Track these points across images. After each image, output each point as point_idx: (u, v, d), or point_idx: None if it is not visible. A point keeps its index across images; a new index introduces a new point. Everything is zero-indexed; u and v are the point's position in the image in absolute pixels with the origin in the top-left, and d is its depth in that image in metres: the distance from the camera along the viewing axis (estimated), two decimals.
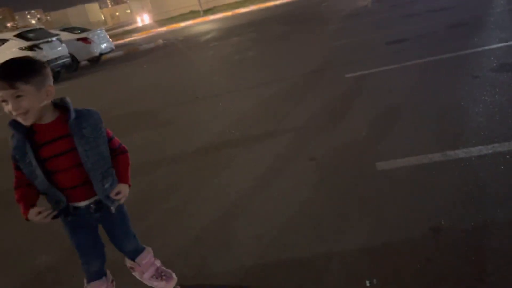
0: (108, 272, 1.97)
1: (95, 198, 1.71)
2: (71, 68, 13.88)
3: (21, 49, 11.56)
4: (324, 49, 7.75)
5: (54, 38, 12.69)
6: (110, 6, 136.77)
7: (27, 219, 1.63)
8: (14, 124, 1.57)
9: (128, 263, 2.00)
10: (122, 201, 1.76)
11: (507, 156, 2.62)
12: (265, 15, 18.29)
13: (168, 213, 2.97)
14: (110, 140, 1.74)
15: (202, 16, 26.63)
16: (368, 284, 1.88)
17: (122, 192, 1.73)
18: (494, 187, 2.35)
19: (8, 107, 1.50)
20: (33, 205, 1.64)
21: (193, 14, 29.45)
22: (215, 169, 3.54)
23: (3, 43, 11.69)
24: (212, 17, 25.68)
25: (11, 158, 1.63)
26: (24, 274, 2.68)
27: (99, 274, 1.90)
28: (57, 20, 65.50)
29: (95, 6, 78.01)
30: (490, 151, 2.73)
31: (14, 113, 1.51)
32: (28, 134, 1.58)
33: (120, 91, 8.79)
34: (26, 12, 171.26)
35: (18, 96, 1.48)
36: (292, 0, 23.68)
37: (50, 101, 1.59)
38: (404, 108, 3.89)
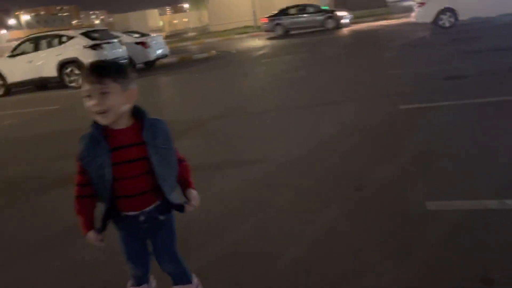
0: (151, 279, 1.97)
1: (147, 209, 1.71)
2: None
3: (85, 47, 12.18)
4: (378, 76, 7.64)
5: (115, 40, 13.31)
6: (168, 13, 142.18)
7: (85, 235, 1.69)
8: (95, 124, 1.60)
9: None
10: (196, 204, 1.77)
11: None
12: (319, 36, 18.32)
13: (209, 226, 2.99)
14: (174, 150, 1.77)
15: (256, 31, 27.02)
16: None
17: (194, 198, 1.77)
18: None
19: (90, 103, 1.54)
20: (92, 226, 1.70)
21: (247, 28, 29.99)
22: (256, 186, 3.54)
23: (70, 39, 12.38)
24: (265, 33, 26.00)
25: (78, 160, 1.64)
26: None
27: (141, 281, 1.92)
28: (118, 22, 68.62)
29: (154, 12, 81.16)
30: None
31: (95, 109, 1.54)
32: (104, 136, 1.60)
33: (171, 97, 9.06)
34: (91, 12, 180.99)
35: (104, 93, 1.52)
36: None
37: (130, 106, 1.63)
38: (459, 148, 3.75)
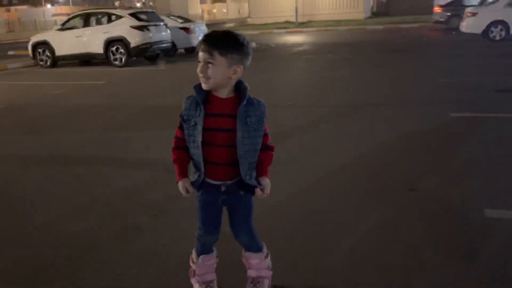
0: (215, 249, 2.06)
1: (228, 182, 1.81)
2: (169, 53, 14.70)
3: (132, 27, 12.45)
4: (426, 83, 7.54)
5: (161, 23, 13.54)
6: (208, 2, 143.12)
7: (177, 182, 1.80)
8: (198, 87, 1.72)
9: (243, 253, 2.06)
10: (267, 193, 1.82)
11: None
12: (362, 38, 18.11)
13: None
14: (265, 135, 1.81)
15: (296, 27, 26.93)
16: None
17: (266, 187, 1.81)
18: None
19: (198, 68, 1.66)
20: (185, 174, 1.81)
21: (287, 24, 29.89)
22: (307, 181, 3.59)
23: (119, 19, 12.68)
24: (306, 29, 25.91)
25: (179, 117, 1.78)
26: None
27: (210, 249, 2.03)
28: (159, 6, 69.40)
29: (196, 0, 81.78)
30: None
31: (200, 74, 1.67)
32: (203, 101, 1.71)
33: None
34: None
35: (209, 63, 1.63)
36: (390, 28, 23.29)
37: (234, 81, 1.72)
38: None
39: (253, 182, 1.80)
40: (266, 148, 1.83)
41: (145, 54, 13.06)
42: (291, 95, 7.24)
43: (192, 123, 1.72)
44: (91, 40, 12.78)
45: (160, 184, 3.56)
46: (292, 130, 5.08)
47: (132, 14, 12.94)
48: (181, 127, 1.79)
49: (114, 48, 12.59)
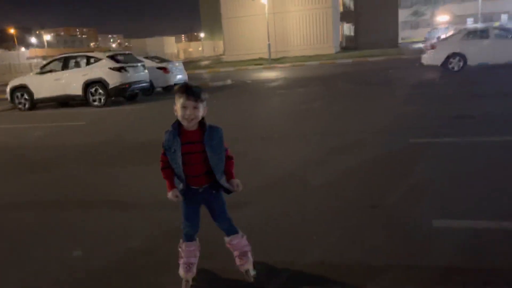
0: (197, 239, 2.70)
1: (205, 185, 2.50)
2: (147, 92, 15.13)
3: (110, 68, 12.89)
4: (389, 112, 8.15)
5: (139, 64, 14.04)
6: (183, 41, 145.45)
7: (168, 192, 2.46)
8: (176, 125, 2.41)
9: (226, 239, 2.69)
10: (240, 189, 2.52)
11: None
12: (332, 72, 19.02)
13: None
14: (225, 149, 2.51)
15: (270, 64, 27.93)
16: None
17: (238, 183, 2.53)
18: None
19: (185, 112, 2.33)
20: (174, 186, 2.48)
21: (261, 60, 30.96)
22: (281, 197, 3.96)
23: (97, 61, 13.12)
24: (279, 66, 26.91)
25: (162, 146, 2.45)
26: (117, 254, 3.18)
27: (192, 238, 2.67)
28: (135, 47, 70.37)
29: (171, 39, 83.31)
30: None
31: (188, 116, 2.33)
32: (179, 134, 2.40)
33: None
34: (109, 36, 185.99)
35: (196, 108, 2.34)
36: (358, 61, 24.48)
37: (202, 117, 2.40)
38: (465, 178, 4.17)
39: (226, 184, 2.51)
40: (228, 159, 2.54)
41: (124, 94, 13.43)
42: (268, 128, 7.69)
43: (172, 150, 2.40)
44: (70, 82, 13.13)
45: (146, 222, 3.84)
46: (272, 158, 5.48)
47: (110, 56, 13.40)
48: (165, 154, 2.47)
49: (93, 89, 12.95)
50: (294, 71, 21.67)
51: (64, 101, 13.75)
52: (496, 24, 26.74)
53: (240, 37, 36.32)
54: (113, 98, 13.18)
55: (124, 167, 5.75)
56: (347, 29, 43.76)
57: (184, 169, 2.40)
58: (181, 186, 2.47)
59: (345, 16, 41.59)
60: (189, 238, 2.65)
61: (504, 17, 54.80)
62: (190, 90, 2.34)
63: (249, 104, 11.30)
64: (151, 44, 74.67)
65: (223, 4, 37.44)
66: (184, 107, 2.33)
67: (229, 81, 19.09)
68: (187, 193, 2.50)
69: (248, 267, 2.66)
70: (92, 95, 12.97)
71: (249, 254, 2.68)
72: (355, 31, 40.87)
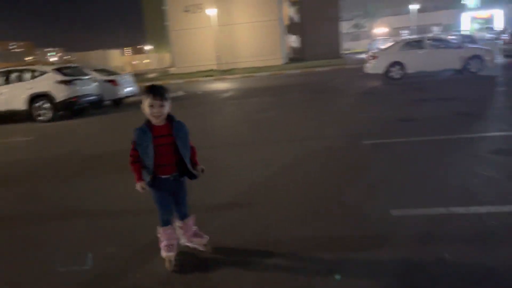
0: (173, 222, 3.04)
1: (173, 174, 2.84)
2: (96, 105, 14.75)
3: (57, 82, 12.47)
4: (340, 118, 8.59)
5: (87, 77, 13.69)
6: (128, 54, 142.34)
7: (136, 183, 2.80)
8: (146, 123, 2.75)
9: (178, 223, 3.05)
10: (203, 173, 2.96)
11: (499, 216, 3.24)
12: (282, 82, 19.53)
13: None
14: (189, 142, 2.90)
15: (220, 75, 28.14)
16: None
17: (204, 169, 2.96)
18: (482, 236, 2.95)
19: (152, 111, 2.68)
20: (141, 178, 2.81)
21: (211, 72, 31.09)
22: (254, 195, 4.12)
23: (43, 74, 12.64)
24: (229, 77, 27.18)
25: (132, 143, 2.77)
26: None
27: (168, 222, 2.99)
28: (77, 61, 68.02)
29: (116, 52, 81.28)
30: (485, 211, 3.36)
31: (155, 114, 2.68)
32: (149, 129, 2.73)
33: None
34: (47, 49, 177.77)
35: (162, 106, 2.69)
36: (306, 71, 25.31)
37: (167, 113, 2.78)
38: (415, 172, 4.56)
39: (193, 170, 2.89)
40: (192, 149, 2.93)
41: (72, 108, 13.01)
42: (224, 136, 7.84)
43: (145, 145, 2.72)
44: (13, 96, 12.53)
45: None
46: (236, 164, 5.63)
47: (57, 69, 12.98)
48: (134, 149, 2.78)
49: (38, 104, 12.44)
50: (244, 82, 22.01)
51: (7, 116, 13.06)
52: (431, 35, 28.78)
53: (188, 49, 36.27)
54: (60, 112, 12.74)
55: (86, 178, 5.64)
56: (294, 41, 45.06)
57: (155, 160, 2.72)
58: (148, 178, 2.77)
59: (291, 28, 42.84)
60: (166, 223, 2.96)
61: (436, 29, 58.99)
62: (156, 90, 2.67)
63: (205, 115, 11.37)
64: (95, 57, 72.52)
65: (170, 16, 37.31)
66: (151, 105, 2.66)
67: (180, 93, 19.03)
68: (157, 184, 2.81)
69: (205, 241, 3.10)
70: (38, 109, 12.47)
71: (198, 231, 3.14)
72: (301, 42, 42.18)
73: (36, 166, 6.71)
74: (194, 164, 2.92)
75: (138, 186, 2.79)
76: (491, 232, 3.03)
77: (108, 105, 16.02)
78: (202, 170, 2.93)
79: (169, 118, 2.78)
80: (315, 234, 3.27)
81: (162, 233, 2.98)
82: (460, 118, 7.28)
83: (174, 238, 3.00)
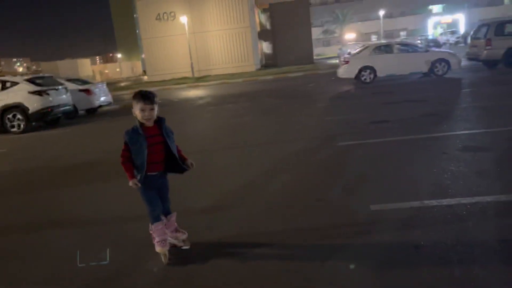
0: (163, 218, 3.24)
1: (160, 171, 3.11)
2: (70, 115, 14.57)
3: (30, 92, 12.27)
4: (316, 122, 8.87)
5: (60, 87, 13.51)
6: (98, 63, 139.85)
7: (130, 181, 2.96)
8: (138, 124, 2.97)
9: (165, 220, 3.24)
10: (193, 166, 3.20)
11: (468, 206, 3.52)
12: (256, 88, 19.78)
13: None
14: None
15: (194, 82, 28.17)
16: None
17: (193, 163, 3.21)
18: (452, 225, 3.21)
19: (144, 114, 2.93)
20: (134, 176, 2.99)
21: (185, 79, 31.08)
22: (236, 193, 4.28)
23: (14, 85, 12.41)
24: (203, 84, 27.25)
25: (125, 144, 2.98)
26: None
27: (159, 218, 3.19)
28: (46, 70, 66.42)
29: (86, 61, 79.83)
30: (455, 203, 3.63)
31: (146, 117, 2.93)
32: (142, 130, 2.97)
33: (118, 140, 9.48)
34: (15, 59, 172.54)
35: (152, 109, 2.95)
36: (279, 77, 25.69)
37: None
38: (390, 170, 4.83)
39: (183, 165, 3.15)
40: (177, 146, 3.20)
41: (45, 119, 12.83)
42: (203, 141, 7.96)
43: (138, 145, 2.95)
44: None
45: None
46: (220, 167, 5.77)
47: (29, 80, 12.76)
48: (127, 149, 2.99)
49: (10, 115, 12.21)
50: (219, 89, 22.15)
51: None
52: (399, 40, 29.70)
53: (161, 56, 36.12)
54: (34, 123, 12.54)
55: (69, 187, 5.66)
56: (266, 47, 45.56)
57: (148, 158, 2.95)
58: (139, 177, 2.98)
59: (263, 35, 43.33)
60: (157, 218, 3.16)
61: (403, 34, 60.90)
62: (146, 96, 2.92)
63: (183, 122, 11.43)
64: (64, 66, 70.99)
65: (141, 25, 37.07)
66: (142, 110, 2.91)
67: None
68: (146, 181, 3.01)
69: (185, 236, 3.33)
70: (10, 121, 12.23)
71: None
72: (273, 49, 42.68)
73: (13, 178, 6.64)
74: (183, 159, 3.17)
75: (131, 183, 2.97)
76: (461, 221, 3.30)
77: (82, 114, 15.85)
78: (192, 164, 3.17)
79: (157, 119, 3.04)
80: (301, 227, 3.47)
81: (154, 230, 3.17)
82: (428, 119, 7.66)
83: (165, 233, 3.20)
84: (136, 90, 3.08)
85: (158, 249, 3.15)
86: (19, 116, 12.22)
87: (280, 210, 3.98)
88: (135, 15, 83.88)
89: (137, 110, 2.94)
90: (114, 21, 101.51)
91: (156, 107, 2.96)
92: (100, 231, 3.96)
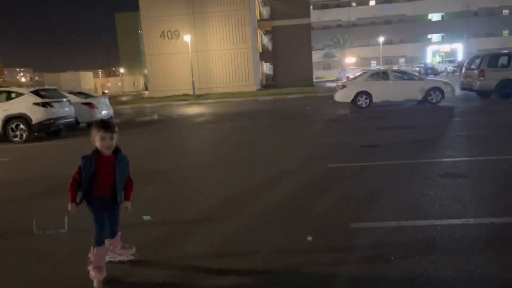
0: (106, 242, 3.29)
1: (111, 196, 3.17)
2: (71, 127, 14.91)
3: (35, 104, 12.65)
4: (310, 143, 9.22)
5: (64, 99, 13.90)
6: (100, 76, 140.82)
7: (69, 204, 3.08)
8: (94, 152, 3.11)
9: (108, 241, 3.32)
10: (128, 211, 3.30)
11: (438, 228, 3.83)
12: (255, 108, 20.22)
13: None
14: (128, 173, 3.29)
15: (195, 100, 28.64)
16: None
17: (128, 206, 3.30)
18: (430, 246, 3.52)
19: (104, 143, 3.06)
20: (75, 200, 3.10)
21: (186, 96, 31.59)
22: (229, 208, 4.57)
23: (19, 96, 12.79)
24: (204, 101, 27.72)
25: (78, 168, 3.09)
26: None
27: (103, 243, 3.21)
28: (48, 82, 67.02)
29: (88, 74, 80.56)
30: (428, 224, 3.94)
31: (106, 146, 3.06)
32: (95, 159, 3.10)
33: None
34: (18, 70, 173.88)
35: (112, 138, 3.09)
36: (279, 98, 26.20)
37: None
38: (374, 191, 5.14)
39: (120, 200, 3.23)
40: (129, 181, 3.32)
41: (47, 130, 13.17)
42: (199, 158, 8.28)
43: (91, 170, 3.06)
44: None
45: None
46: (214, 183, 6.07)
47: (34, 92, 13.15)
48: (79, 172, 3.11)
49: (13, 125, 12.55)
50: (219, 107, 22.58)
51: None
52: (395, 67, 30.42)
53: (163, 73, 36.73)
54: (36, 134, 12.87)
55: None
56: (267, 68, 46.37)
57: (98, 183, 3.09)
58: (80, 199, 3.11)
59: (265, 56, 44.17)
60: (101, 243, 3.19)
61: (401, 60, 62.04)
62: (106, 125, 3.07)
63: (181, 138, 11.79)
64: (66, 79, 71.64)
65: (145, 41, 37.80)
66: (103, 138, 3.04)
67: (155, 116, 19.37)
68: (97, 204, 3.13)
69: (133, 251, 3.52)
70: (13, 130, 12.57)
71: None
72: (274, 70, 43.49)
73: (18, 185, 6.93)
74: (126, 197, 3.28)
75: (71, 207, 3.08)
76: (432, 241, 3.60)
77: (83, 127, 16.17)
78: (126, 207, 3.27)
79: (115, 150, 3.17)
80: (283, 241, 3.76)
81: (96, 254, 3.15)
82: (416, 145, 8.01)
83: (104, 260, 3.22)
84: (97, 120, 3.22)
85: (93, 274, 3.12)
86: (22, 126, 12.56)
87: (264, 224, 4.27)
88: (139, 32, 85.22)
89: (96, 138, 3.05)
90: (118, 36, 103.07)
91: (115, 136, 3.09)
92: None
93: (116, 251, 3.47)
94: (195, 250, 3.74)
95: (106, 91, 76.66)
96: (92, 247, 3.18)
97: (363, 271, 3.16)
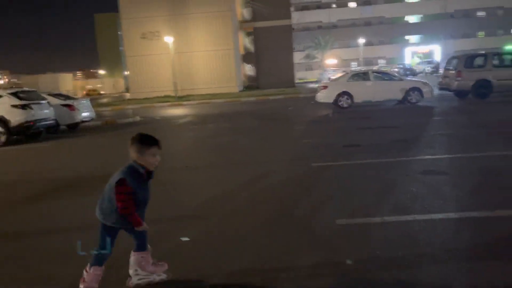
0: (138, 254, 3.12)
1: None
2: (51, 130, 14.66)
3: (13, 106, 12.40)
4: (292, 144, 9.32)
5: (43, 101, 13.66)
6: (80, 78, 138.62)
7: (141, 226, 2.91)
8: (142, 168, 2.89)
9: (139, 254, 3.10)
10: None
11: (421, 222, 3.96)
12: (237, 109, 20.24)
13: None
14: None
15: (177, 101, 28.46)
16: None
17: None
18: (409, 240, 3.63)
19: (155, 160, 2.89)
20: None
21: (167, 98, 31.35)
22: (216, 212, 4.61)
23: None
24: (186, 103, 27.58)
25: (128, 191, 2.79)
26: None
27: (102, 263, 3.00)
28: (26, 84, 65.69)
29: (67, 76, 79.18)
30: (411, 219, 4.06)
31: (157, 162, 2.91)
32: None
33: (104, 156, 9.71)
34: None
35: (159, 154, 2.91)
36: (261, 99, 26.30)
37: None
38: (356, 189, 5.25)
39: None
40: None
41: (27, 132, 12.92)
42: (183, 159, 8.28)
43: (143, 189, 2.93)
44: None
45: None
46: (199, 184, 6.08)
47: (12, 94, 12.89)
48: (131, 198, 2.82)
49: None
50: (201, 108, 22.53)
51: None
52: (375, 68, 30.97)
53: (144, 74, 36.39)
54: (15, 137, 12.61)
55: (55, 199, 5.87)
56: (249, 69, 46.44)
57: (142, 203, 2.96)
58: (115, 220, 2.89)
59: (247, 57, 44.23)
60: (101, 263, 2.96)
61: (381, 61, 63.01)
62: (158, 141, 2.91)
63: (164, 140, 11.62)
64: (45, 81, 70.23)
65: (126, 42, 37.43)
66: (154, 154, 2.86)
67: (137, 118, 19.16)
68: (122, 224, 2.90)
69: (165, 267, 3.21)
70: None
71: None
72: (256, 71, 43.59)
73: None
74: None
75: (145, 227, 2.92)
76: (414, 234, 3.72)
77: (63, 129, 15.92)
78: None
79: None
80: (271, 238, 3.81)
81: (91, 272, 2.94)
82: (397, 144, 8.18)
83: (97, 282, 2.96)
84: (140, 133, 2.96)
85: None
86: (0, 129, 12.29)
87: (252, 224, 4.32)
88: (119, 32, 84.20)
89: (148, 154, 2.84)
90: (97, 37, 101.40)
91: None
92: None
93: (148, 268, 3.11)
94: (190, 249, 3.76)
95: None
96: (88, 264, 2.95)
97: (350, 265, 3.24)
